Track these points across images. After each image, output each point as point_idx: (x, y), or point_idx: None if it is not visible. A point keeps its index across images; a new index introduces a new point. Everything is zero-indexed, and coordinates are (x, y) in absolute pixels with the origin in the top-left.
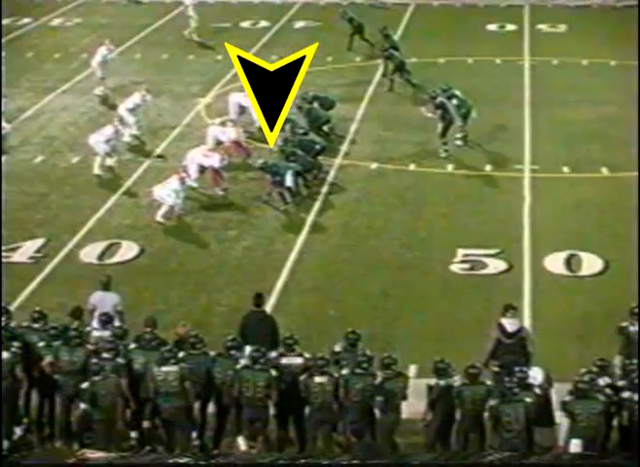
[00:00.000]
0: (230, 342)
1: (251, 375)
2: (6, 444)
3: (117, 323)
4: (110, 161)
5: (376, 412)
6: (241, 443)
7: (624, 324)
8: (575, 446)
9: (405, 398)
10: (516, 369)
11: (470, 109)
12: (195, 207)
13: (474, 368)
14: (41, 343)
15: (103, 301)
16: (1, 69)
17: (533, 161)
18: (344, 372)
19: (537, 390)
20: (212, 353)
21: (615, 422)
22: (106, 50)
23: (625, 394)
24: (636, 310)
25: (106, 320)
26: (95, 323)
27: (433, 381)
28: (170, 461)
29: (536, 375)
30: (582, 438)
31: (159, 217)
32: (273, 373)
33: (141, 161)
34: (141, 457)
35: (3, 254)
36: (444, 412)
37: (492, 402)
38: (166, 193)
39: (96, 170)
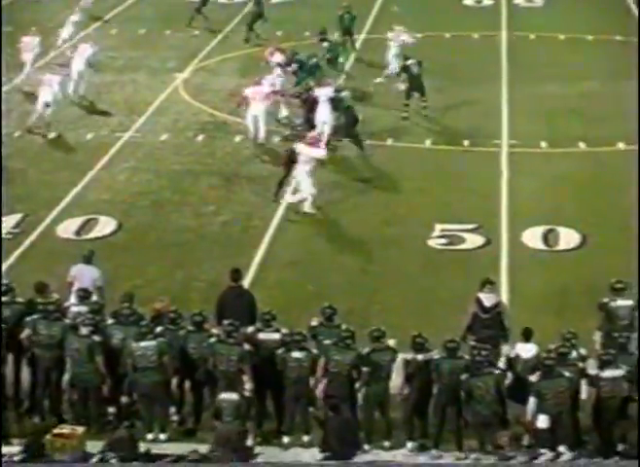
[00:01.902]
0: (196, 317)
1: (224, 348)
2: None
3: (94, 298)
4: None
5: (358, 385)
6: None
7: (605, 300)
8: (542, 421)
9: (389, 376)
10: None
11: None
12: (172, 182)
13: (452, 342)
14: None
15: (83, 274)
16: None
17: (511, 135)
18: (327, 342)
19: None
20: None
21: (584, 395)
22: (91, 47)
23: (592, 371)
24: (616, 286)
25: (84, 296)
26: (73, 298)
27: (410, 356)
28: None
29: (531, 349)
30: (549, 413)
31: (307, 208)
32: (246, 347)
33: (118, 137)
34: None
35: None
36: (422, 386)
37: (463, 376)
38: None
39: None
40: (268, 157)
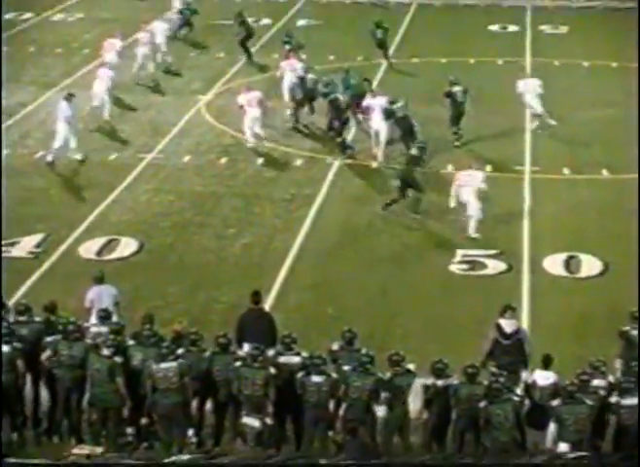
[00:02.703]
0: (222, 339)
1: (249, 372)
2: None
3: (115, 318)
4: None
5: (379, 409)
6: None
7: (626, 328)
8: (562, 449)
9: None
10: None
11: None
12: (194, 204)
13: (472, 367)
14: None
15: (101, 294)
16: (1, 68)
17: (533, 162)
18: (346, 368)
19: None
20: (208, 352)
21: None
22: (120, 41)
23: (613, 399)
24: (637, 314)
25: (105, 316)
26: (94, 318)
27: (430, 381)
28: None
29: (549, 377)
30: (569, 441)
31: (472, 233)
32: (272, 371)
33: (141, 158)
34: (138, 454)
35: (2, 248)
36: (441, 411)
37: (482, 403)
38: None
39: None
40: (291, 177)
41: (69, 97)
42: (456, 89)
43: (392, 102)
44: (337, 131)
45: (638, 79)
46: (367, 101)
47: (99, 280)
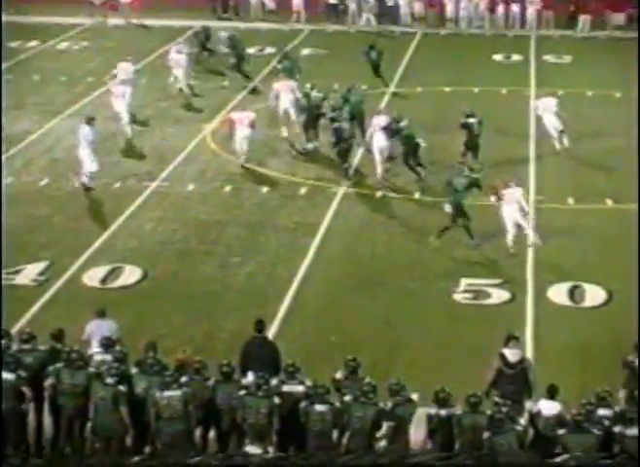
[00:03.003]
0: (225, 368)
1: (253, 401)
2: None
3: (117, 347)
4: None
5: (380, 440)
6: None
7: (630, 358)
8: None
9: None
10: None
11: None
12: (198, 232)
13: (475, 396)
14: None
15: (100, 327)
16: (1, 92)
17: (538, 191)
18: (347, 398)
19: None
20: (212, 380)
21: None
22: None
23: (617, 429)
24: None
25: (108, 344)
26: (95, 347)
27: (433, 411)
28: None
29: (554, 407)
30: None
31: (535, 241)
32: (276, 400)
33: (146, 186)
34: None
35: (6, 276)
36: (444, 441)
37: (485, 434)
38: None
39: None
40: (295, 205)
41: (91, 121)
42: (472, 120)
43: (397, 121)
44: (342, 158)
45: (638, 108)
46: (372, 123)
47: (101, 315)
